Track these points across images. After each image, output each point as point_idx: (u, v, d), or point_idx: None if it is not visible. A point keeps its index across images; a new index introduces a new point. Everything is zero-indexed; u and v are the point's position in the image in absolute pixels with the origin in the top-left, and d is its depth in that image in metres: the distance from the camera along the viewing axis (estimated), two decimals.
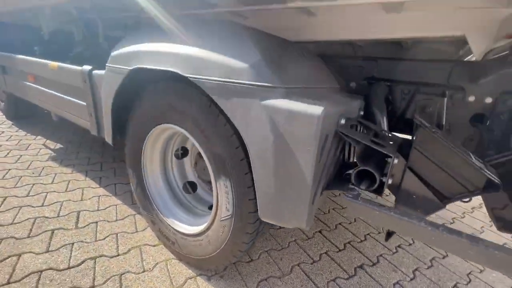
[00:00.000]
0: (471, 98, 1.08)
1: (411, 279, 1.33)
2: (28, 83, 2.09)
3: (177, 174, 1.43)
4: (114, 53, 1.17)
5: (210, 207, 1.34)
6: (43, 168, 2.06)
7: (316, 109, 0.67)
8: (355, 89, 1.30)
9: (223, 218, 1.01)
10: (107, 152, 2.48)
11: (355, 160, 0.94)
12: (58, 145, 2.55)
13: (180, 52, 0.89)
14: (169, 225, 1.27)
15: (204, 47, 0.86)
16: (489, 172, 0.69)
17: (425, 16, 0.89)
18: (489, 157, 0.83)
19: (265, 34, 0.99)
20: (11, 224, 1.43)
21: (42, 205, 1.61)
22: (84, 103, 1.48)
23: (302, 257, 1.40)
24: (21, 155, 2.24)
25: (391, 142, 0.86)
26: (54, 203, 1.65)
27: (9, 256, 1.22)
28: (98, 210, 1.63)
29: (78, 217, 1.54)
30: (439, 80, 1.12)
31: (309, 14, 0.92)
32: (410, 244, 1.61)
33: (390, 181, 0.78)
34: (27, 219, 1.48)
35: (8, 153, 2.25)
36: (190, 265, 1.26)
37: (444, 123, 1.12)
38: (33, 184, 1.82)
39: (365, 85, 1.28)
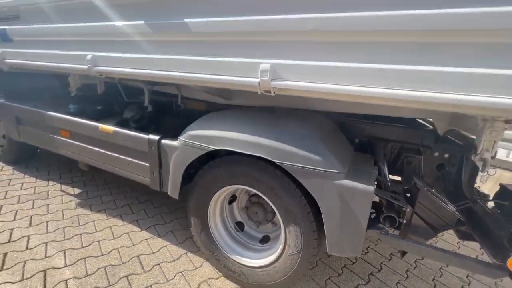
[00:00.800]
0: (436, 154, 1.67)
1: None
2: (60, 138, 2.23)
3: (229, 217, 1.79)
4: (193, 132, 1.52)
5: (261, 241, 1.74)
6: (78, 216, 2.20)
7: (369, 188, 1.14)
8: (358, 143, 1.83)
9: (291, 253, 1.42)
10: (127, 193, 2.66)
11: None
12: (76, 190, 2.65)
13: (268, 144, 1.30)
14: (235, 260, 1.62)
15: (284, 140, 1.28)
16: (459, 214, 1.24)
17: (412, 109, 1.43)
18: (458, 203, 1.38)
19: (324, 123, 1.46)
20: (87, 276, 1.62)
21: (102, 254, 1.81)
22: (147, 164, 1.76)
23: (329, 272, 1.85)
24: (47, 205, 2.33)
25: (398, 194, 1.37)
26: (111, 250, 1.85)
27: None
28: (153, 253, 1.88)
29: (140, 261, 1.78)
30: (416, 140, 1.69)
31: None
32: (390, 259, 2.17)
33: (404, 221, 1.29)
34: (98, 269, 1.68)
35: (33, 204, 2.32)
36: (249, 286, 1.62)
37: (422, 170, 1.70)
38: (81, 234, 1.98)
39: (365, 141, 1.82)
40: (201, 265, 1.80)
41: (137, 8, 1.45)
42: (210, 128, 1.48)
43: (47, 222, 2.09)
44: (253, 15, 1.15)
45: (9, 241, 1.84)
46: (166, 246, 1.96)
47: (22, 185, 2.64)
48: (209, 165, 1.55)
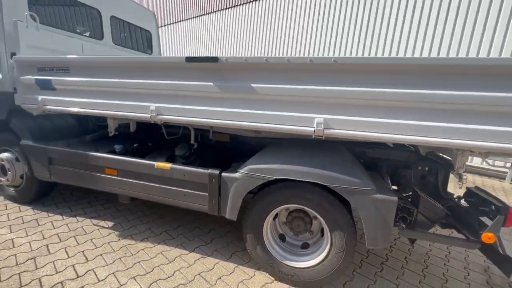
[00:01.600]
0: (419, 168, 2.33)
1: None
2: (105, 176, 2.44)
3: (274, 231, 2.21)
4: (254, 166, 1.94)
5: (301, 247, 2.18)
6: (127, 247, 2.39)
7: (394, 198, 1.69)
8: (363, 163, 2.42)
9: (337, 252, 1.89)
10: (157, 221, 2.89)
11: None
12: (108, 222, 2.79)
13: (319, 172, 1.78)
14: (287, 265, 2.04)
15: (329, 168, 1.79)
16: (446, 211, 1.86)
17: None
18: (441, 203, 2.01)
19: (345, 151, 2.00)
20: None
21: (168, 277, 2.07)
22: (206, 194, 2.11)
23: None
24: (91, 239, 2.47)
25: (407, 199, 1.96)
26: (174, 272, 2.11)
27: None
28: (210, 269, 2.18)
29: (204, 278, 2.08)
30: (405, 159, 2.33)
31: None
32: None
33: (412, 219, 1.87)
34: None
35: (76, 240, 2.44)
36: (307, 286, 2.03)
37: (412, 180, 2.33)
38: (139, 262, 2.20)
39: (370, 161, 2.41)
40: (254, 274, 2.16)
41: (207, 72, 1.87)
42: (269, 162, 1.92)
43: (101, 255, 2.26)
44: (309, 86, 1.66)
45: (78, 276, 1.99)
46: (218, 263, 2.28)
47: (52, 223, 2.70)
48: (266, 190, 1.97)
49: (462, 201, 2.02)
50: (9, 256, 2.16)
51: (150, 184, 2.30)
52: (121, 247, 2.39)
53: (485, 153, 1.60)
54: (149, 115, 2.08)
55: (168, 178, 2.22)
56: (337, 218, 1.84)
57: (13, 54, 2.70)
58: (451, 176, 2.11)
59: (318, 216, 1.91)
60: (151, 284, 1.98)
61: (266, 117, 1.80)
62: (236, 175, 2.01)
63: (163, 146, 2.88)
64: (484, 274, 2.35)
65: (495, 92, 1.38)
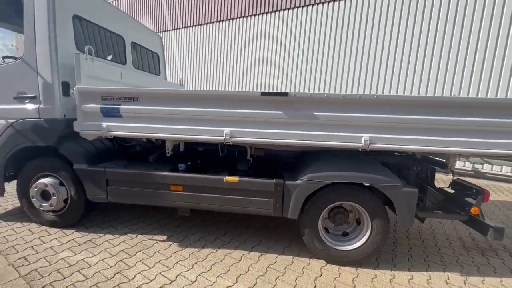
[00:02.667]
0: (416, 168, 3.17)
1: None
2: (169, 192, 2.73)
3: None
4: (313, 174, 2.50)
5: (342, 235, 2.79)
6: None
7: (416, 190, 2.42)
8: None
9: (376, 235, 2.55)
10: (208, 230, 3.22)
11: None
12: (162, 236, 3.03)
13: (365, 175, 2.43)
14: (337, 249, 2.63)
15: (370, 171, 2.46)
16: (443, 196, 2.68)
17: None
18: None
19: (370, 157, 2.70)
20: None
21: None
22: (271, 200, 2.59)
23: None
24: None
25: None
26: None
27: None
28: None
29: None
30: (406, 162, 3.14)
31: None
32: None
33: (423, 204, 2.64)
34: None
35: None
36: (353, 263, 2.63)
37: (412, 177, 3.15)
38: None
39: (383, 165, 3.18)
40: (309, 262, 2.69)
41: (278, 103, 2.40)
42: (325, 170, 2.51)
43: (177, 262, 2.53)
44: (359, 113, 2.32)
45: (171, 281, 2.27)
46: (277, 257, 2.74)
47: (109, 242, 2.84)
48: (321, 193, 2.55)
49: (449, 189, 2.89)
50: (95, 273, 2.32)
51: (216, 195, 2.69)
52: (190, 254, 2.69)
53: (466, 156, 2.45)
54: (223, 138, 2.50)
55: (234, 189, 2.65)
56: (376, 208, 2.52)
57: (64, 83, 2.83)
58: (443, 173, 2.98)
59: (361, 209, 2.56)
60: (237, 278, 2.37)
61: (324, 137, 2.40)
62: (298, 182, 2.55)
63: (209, 163, 3.24)
64: (459, 241, 3.26)
65: (474, 117, 2.22)
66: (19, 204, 3.51)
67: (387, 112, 2.31)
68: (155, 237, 3.01)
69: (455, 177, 2.80)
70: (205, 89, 10.92)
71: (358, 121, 2.34)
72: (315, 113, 2.37)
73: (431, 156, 3.03)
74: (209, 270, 2.45)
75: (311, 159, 2.76)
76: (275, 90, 9.29)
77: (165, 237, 3.01)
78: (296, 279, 2.40)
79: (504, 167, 6.02)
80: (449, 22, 6.50)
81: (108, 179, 2.82)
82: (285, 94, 2.37)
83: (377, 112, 2.32)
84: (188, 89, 6.94)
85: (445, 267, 2.68)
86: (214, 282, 2.29)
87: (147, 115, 2.59)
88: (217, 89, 9.70)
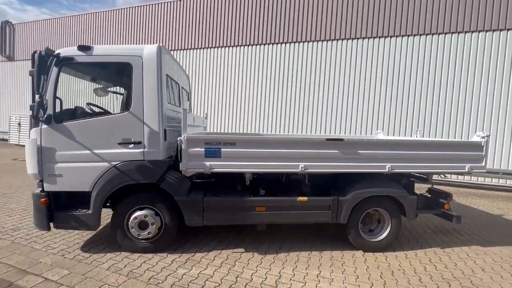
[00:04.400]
0: (403, 181, 4.73)
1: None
2: (255, 212, 3.59)
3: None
4: (357, 191, 3.73)
5: (369, 231, 4.07)
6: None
7: (415, 197, 3.89)
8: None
9: (394, 228, 3.89)
10: (293, 238, 4.11)
11: None
12: (253, 247, 3.79)
13: (390, 190, 3.78)
14: (371, 241, 3.89)
15: (393, 186, 3.82)
16: (426, 199, 4.25)
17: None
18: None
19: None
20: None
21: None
22: (329, 211, 3.70)
23: None
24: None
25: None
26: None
27: None
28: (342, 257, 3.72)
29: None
30: (397, 177, 4.68)
31: None
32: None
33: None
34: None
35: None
36: (380, 250, 3.89)
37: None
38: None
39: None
40: (354, 254, 3.85)
41: (335, 145, 3.59)
42: (364, 188, 3.77)
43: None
44: (386, 151, 3.69)
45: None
46: (331, 252, 3.83)
47: (214, 257, 3.48)
48: (361, 203, 3.78)
49: (427, 194, 4.48)
50: (221, 279, 3.01)
51: (290, 212, 3.68)
52: (273, 257, 3.56)
53: (439, 175, 4.05)
54: (299, 170, 3.54)
55: (304, 206, 3.68)
56: (394, 211, 3.88)
57: (165, 130, 3.48)
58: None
59: (384, 212, 3.88)
60: (318, 267, 3.36)
61: (363, 166, 3.69)
62: (347, 197, 3.74)
63: (272, 188, 4.15)
64: (432, 228, 4.89)
65: (439, 151, 3.81)
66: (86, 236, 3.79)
67: (399, 149, 3.74)
68: (236, 249, 3.76)
69: (431, 186, 4.40)
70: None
71: (384, 156, 3.70)
72: (359, 151, 3.64)
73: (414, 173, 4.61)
74: (294, 268, 3.39)
75: (351, 181, 3.96)
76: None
77: (243, 249, 3.79)
78: (354, 263, 3.53)
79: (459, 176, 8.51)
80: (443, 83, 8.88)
81: (204, 206, 3.51)
82: (342, 139, 3.59)
83: (394, 149, 3.73)
84: (273, 135, 7.84)
85: (426, 243, 4.20)
86: (305, 275, 3.24)
87: (242, 156, 3.46)
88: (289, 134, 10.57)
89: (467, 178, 8.83)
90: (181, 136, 3.33)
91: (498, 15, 8.48)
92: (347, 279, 3.16)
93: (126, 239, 3.49)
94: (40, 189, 3.32)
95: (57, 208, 3.35)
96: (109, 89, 4.27)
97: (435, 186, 4.42)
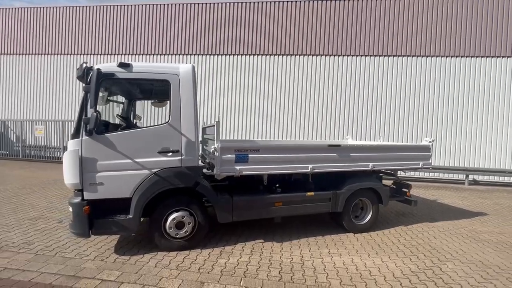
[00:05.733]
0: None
1: None
2: (274, 207, 4.30)
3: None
4: (350, 185, 4.74)
5: (355, 217, 5.15)
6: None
7: (388, 187, 5.11)
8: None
9: (374, 213, 5.03)
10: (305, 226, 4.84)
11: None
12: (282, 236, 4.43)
13: (373, 184, 4.90)
14: (359, 224, 4.96)
15: (374, 181, 4.96)
16: (393, 189, 5.54)
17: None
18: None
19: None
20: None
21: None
22: (329, 203, 4.62)
23: None
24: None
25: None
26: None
27: None
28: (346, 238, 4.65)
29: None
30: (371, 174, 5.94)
31: None
32: None
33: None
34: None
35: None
36: (365, 231, 4.97)
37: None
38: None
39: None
40: (347, 235, 4.84)
41: (334, 150, 4.55)
42: (355, 183, 4.81)
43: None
44: (370, 153, 4.81)
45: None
46: (331, 235, 4.75)
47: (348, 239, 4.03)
48: (353, 194, 4.80)
49: (392, 185, 5.78)
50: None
51: (299, 205, 4.49)
52: (308, 241, 4.31)
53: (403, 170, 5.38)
54: (309, 170, 4.38)
55: (311, 199, 4.54)
56: (375, 199, 5.02)
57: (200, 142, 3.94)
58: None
59: (367, 201, 5.00)
60: (327, 246, 4.23)
61: (354, 166, 4.74)
62: (343, 190, 4.73)
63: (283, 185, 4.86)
64: (394, 212, 6.26)
65: (405, 152, 5.13)
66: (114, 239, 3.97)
67: (378, 152, 4.91)
68: (257, 241, 4.39)
69: (395, 179, 5.72)
70: None
71: (368, 157, 4.82)
72: (351, 154, 4.67)
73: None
74: (310, 249, 4.19)
75: (344, 177, 4.95)
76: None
77: (262, 240, 4.43)
78: (351, 242, 4.51)
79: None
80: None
81: (234, 205, 4.07)
82: (339, 145, 4.58)
83: (375, 152, 4.88)
84: (289, 143, 8.38)
85: (394, 223, 5.49)
86: (320, 253, 4.07)
87: (265, 160, 4.14)
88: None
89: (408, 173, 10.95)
90: (215, 145, 3.86)
91: (435, 43, 10.94)
92: (351, 253, 4.10)
93: (164, 239, 3.83)
94: (79, 198, 3.46)
95: (96, 215, 3.52)
96: (156, 102, 4.58)
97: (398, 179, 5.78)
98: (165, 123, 3.77)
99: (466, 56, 10.97)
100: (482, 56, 10.94)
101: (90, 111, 3.19)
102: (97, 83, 3.17)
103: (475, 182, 11.01)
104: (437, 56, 11.08)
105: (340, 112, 11.41)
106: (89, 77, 3.17)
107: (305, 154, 4.39)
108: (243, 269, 3.48)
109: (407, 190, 5.43)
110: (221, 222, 4.08)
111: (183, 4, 12.28)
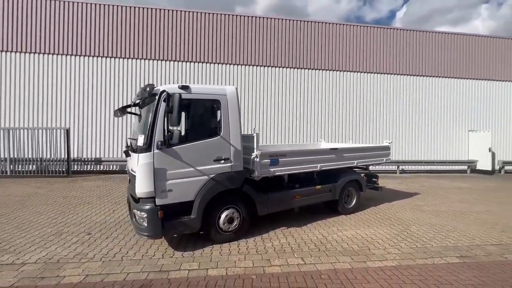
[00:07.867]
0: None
1: None
2: (295, 199, 5.43)
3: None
4: (344, 178, 6.21)
5: (344, 203, 6.70)
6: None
7: (365, 178, 6.82)
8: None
9: (358, 198, 6.66)
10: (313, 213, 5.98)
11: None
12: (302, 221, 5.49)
13: (358, 177, 6.50)
14: (348, 207, 6.50)
15: (357, 176, 6.57)
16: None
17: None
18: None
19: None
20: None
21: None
22: (330, 193, 6.00)
23: None
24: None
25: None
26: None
27: None
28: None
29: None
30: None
31: None
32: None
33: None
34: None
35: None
36: (352, 212, 6.53)
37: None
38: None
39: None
40: (342, 218, 6.31)
41: (334, 152, 5.97)
42: (346, 176, 6.32)
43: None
44: (357, 153, 6.40)
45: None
46: (323, 219, 6.13)
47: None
48: (345, 185, 6.30)
49: (364, 176, 7.56)
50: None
51: (310, 196, 5.74)
52: (323, 221, 5.50)
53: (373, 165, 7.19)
54: (318, 169, 5.67)
55: (318, 191, 5.84)
56: (357, 188, 6.65)
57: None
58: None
59: (353, 189, 6.59)
60: (331, 227, 5.57)
61: (347, 163, 6.26)
62: (339, 183, 6.18)
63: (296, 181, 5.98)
64: (366, 198, 8.09)
65: (376, 151, 6.94)
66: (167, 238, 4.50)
67: (360, 152, 6.55)
68: (282, 228, 5.43)
69: (368, 171, 7.52)
70: None
71: (354, 156, 6.41)
72: (343, 155, 6.17)
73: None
74: (323, 229, 5.47)
75: (339, 173, 6.41)
76: None
77: (285, 227, 5.49)
78: (347, 221, 5.97)
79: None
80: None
81: (269, 200, 5.04)
82: (337, 148, 6.01)
83: (359, 152, 6.51)
84: (306, 148, 8.95)
85: (368, 205, 7.28)
86: (331, 231, 5.39)
87: (290, 162, 5.24)
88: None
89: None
90: (254, 152, 4.77)
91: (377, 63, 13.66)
92: (351, 228, 5.56)
93: (218, 234, 4.54)
94: (151, 204, 3.92)
95: (165, 218, 4.03)
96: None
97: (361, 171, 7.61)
98: (218, 136, 4.49)
99: (385, 73, 14.23)
100: (401, 74, 14.33)
101: (172, 129, 3.75)
102: (180, 105, 3.76)
103: (403, 171, 14.28)
104: (373, 73, 13.98)
105: (310, 119, 13.25)
106: (171, 100, 3.74)
107: (316, 156, 5.68)
108: (289, 247, 4.52)
109: (376, 180, 7.28)
110: (260, 215, 5.00)
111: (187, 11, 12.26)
